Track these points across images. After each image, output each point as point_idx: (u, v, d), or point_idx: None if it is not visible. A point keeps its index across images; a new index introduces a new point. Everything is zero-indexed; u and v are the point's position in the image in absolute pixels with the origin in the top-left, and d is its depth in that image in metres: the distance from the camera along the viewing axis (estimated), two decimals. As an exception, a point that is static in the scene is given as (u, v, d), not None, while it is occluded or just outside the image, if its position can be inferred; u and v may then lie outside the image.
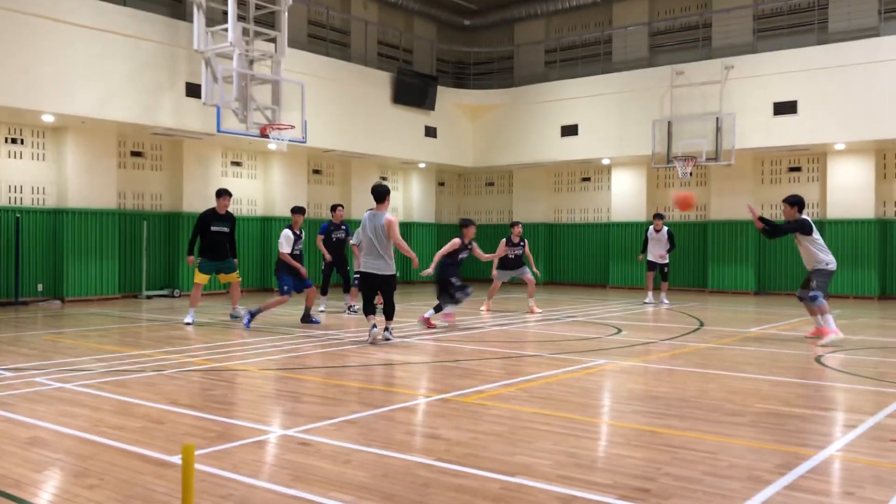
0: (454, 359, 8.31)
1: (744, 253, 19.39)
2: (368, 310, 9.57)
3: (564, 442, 4.89)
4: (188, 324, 11.28)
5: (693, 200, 11.95)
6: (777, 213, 19.46)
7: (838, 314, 14.01)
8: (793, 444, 4.85)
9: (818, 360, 8.44)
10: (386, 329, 9.53)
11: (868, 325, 12.29)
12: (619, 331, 11.19)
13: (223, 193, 11.93)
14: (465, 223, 11.82)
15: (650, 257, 15.97)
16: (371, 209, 9.44)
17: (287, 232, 11.48)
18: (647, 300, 15.99)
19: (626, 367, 7.94)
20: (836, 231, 18.10)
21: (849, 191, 18.07)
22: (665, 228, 15.89)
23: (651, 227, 16.10)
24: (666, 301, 15.92)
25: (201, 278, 11.63)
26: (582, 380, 7.19)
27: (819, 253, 10.01)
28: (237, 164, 18.80)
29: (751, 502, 3.76)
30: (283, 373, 7.48)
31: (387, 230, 9.17)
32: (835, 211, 18.20)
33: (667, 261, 15.97)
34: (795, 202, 10.17)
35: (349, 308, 13.32)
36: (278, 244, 11.46)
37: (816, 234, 10.04)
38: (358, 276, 11.75)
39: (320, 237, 13.48)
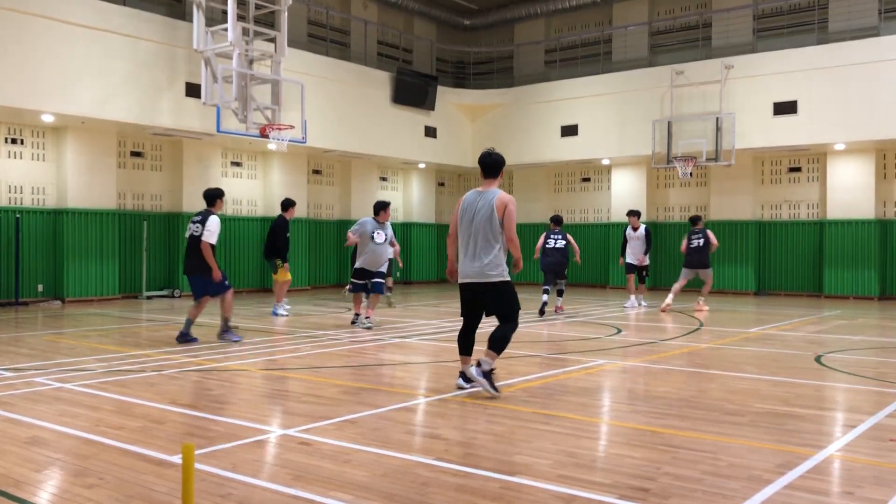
0: (454, 359, 8.31)
1: (744, 253, 19.39)
2: (462, 345, 6.59)
3: (564, 442, 4.89)
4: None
5: None
6: (778, 213, 19.46)
7: (838, 314, 14.04)
8: (793, 444, 4.85)
9: (818, 359, 8.44)
10: (478, 364, 6.32)
11: (868, 325, 12.28)
12: (619, 331, 11.19)
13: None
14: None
15: (630, 259, 15.15)
16: (475, 190, 6.60)
17: (218, 219, 9.67)
18: (627, 304, 15.19)
19: (626, 367, 7.94)
20: (836, 231, 18.11)
21: (849, 191, 18.06)
22: (643, 227, 15.13)
23: (628, 227, 15.28)
24: (644, 303, 15.32)
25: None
26: (582, 380, 7.19)
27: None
28: (237, 164, 18.80)
29: (751, 502, 3.76)
30: (283, 373, 7.49)
31: (499, 214, 6.31)
32: (835, 211, 18.20)
33: (647, 263, 15.16)
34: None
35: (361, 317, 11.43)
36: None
37: None
38: (355, 280, 11.14)
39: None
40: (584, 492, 3.88)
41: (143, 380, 6.97)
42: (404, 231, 22.09)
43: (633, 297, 15.27)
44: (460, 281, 6.51)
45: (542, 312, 13.15)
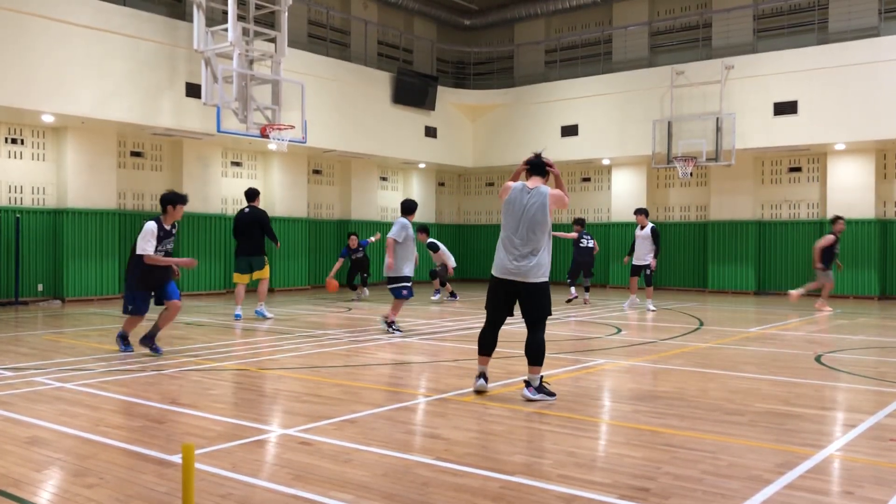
0: (454, 359, 8.31)
1: (744, 253, 19.39)
2: (485, 344, 6.39)
3: (564, 441, 4.90)
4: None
5: None
6: (778, 213, 19.46)
7: (839, 313, 14.05)
8: (793, 444, 4.85)
9: (818, 359, 8.44)
10: (527, 384, 6.15)
11: (868, 325, 12.28)
12: (619, 330, 11.19)
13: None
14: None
15: (635, 260, 14.54)
16: (522, 183, 6.37)
17: (151, 225, 8.28)
18: (626, 304, 14.86)
19: (626, 367, 7.94)
20: (836, 231, 18.10)
21: (849, 191, 18.07)
22: (649, 226, 14.37)
23: (638, 226, 14.62)
24: (651, 306, 14.38)
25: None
26: (582, 380, 7.19)
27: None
28: (237, 164, 18.80)
29: (751, 502, 3.76)
30: (284, 372, 7.48)
31: (549, 208, 6.15)
32: (835, 211, 18.13)
33: (647, 262, 14.30)
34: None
35: (390, 326, 10.50)
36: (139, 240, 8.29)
37: None
38: (404, 285, 10.22)
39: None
40: (584, 492, 3.88)
41: (143, 380, 6.97)
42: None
43: (633, 296, 14.89)
44: (499, 276, 6.21)
45: (586, 292, 15.86)
